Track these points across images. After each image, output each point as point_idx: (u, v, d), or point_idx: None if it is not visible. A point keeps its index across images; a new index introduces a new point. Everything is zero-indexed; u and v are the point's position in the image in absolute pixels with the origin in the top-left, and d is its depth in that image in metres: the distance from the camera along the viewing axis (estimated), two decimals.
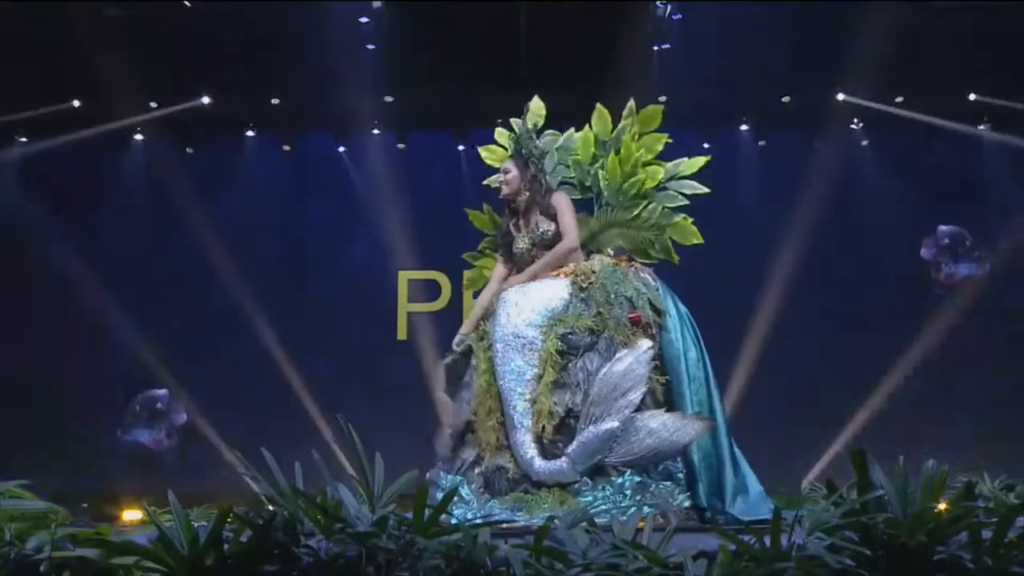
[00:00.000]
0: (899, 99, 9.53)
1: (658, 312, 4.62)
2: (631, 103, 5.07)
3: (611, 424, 4.32)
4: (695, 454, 4.50)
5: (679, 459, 4.42)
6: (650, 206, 4.95)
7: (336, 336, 9.82)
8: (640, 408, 4.36)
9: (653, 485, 4.32)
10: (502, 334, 4.62)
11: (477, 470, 4.58)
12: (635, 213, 4.95)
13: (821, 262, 9.41)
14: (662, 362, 4.55)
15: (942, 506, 2.82)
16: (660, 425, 4.32)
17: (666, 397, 4.49)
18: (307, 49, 8.88)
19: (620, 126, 5.03)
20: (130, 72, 8.82)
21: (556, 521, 3.01)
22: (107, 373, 9.65)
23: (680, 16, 8.83)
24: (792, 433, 8.86)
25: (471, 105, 9.77)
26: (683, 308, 4.78)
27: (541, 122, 5.13)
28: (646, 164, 4.96)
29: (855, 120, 9.90)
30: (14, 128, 10.00)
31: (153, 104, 9.79)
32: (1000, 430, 8.81)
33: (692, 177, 5.03)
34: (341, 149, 10.34)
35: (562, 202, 4.87)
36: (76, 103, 9.62)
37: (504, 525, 3.74)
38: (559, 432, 4.42)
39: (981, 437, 8.71)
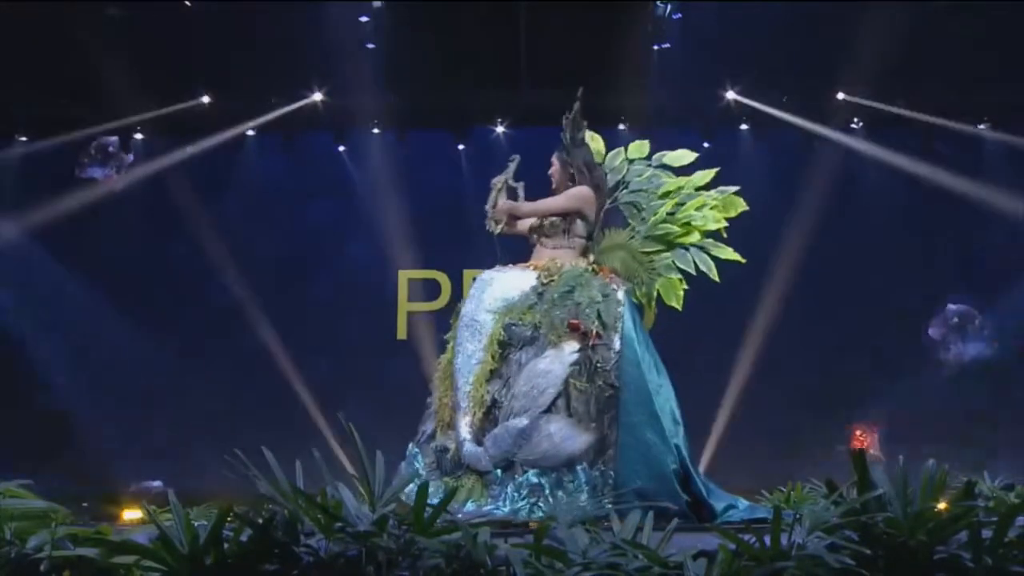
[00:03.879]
0: (900, 100, 9.53)
1: (604, 326, 4.52)
2: (725, 194, 5.22)
3: (521, 422, 4.35)
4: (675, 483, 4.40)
5: (580, 468, 4.26)
6: (665, 253, 5.03)
7: (336, 336, 9.81)
8: (550, 410, 4.35)
9: (547, 489, 4.25)
10: (466, 313, 4.71)
11: (432, 444, 4.66)
12: (648, 251, 5.03)
13: (822, 262, 9.39)
14: (619, 383, 4.44)
15: (942, 506, 2.82)
16: (556, 430, 4.31)
17: (596, 406, 4.39)
18: (307, 49, 8.87)
19: (697, 188, 5.15)
20: (130, 72, 8.81)
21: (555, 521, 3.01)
22: (105, 372, 9.63)
23: (680, 16, 8.83)
24: (791, 432, 8.86)
25: (471, 105, 9.78)
26: (645, 334, 4.73)
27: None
28: (696, 229, 5.06)
29: (855, 120, 9.89)
30: (14, 128, 10.01)
31: (153, 104, 9.79)
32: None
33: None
34: (341, 149, 10.33)
35: (573, 189, 4.91)
36: (76, 103, 9.61)
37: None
38: (488, 421, 4.48)
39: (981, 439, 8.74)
